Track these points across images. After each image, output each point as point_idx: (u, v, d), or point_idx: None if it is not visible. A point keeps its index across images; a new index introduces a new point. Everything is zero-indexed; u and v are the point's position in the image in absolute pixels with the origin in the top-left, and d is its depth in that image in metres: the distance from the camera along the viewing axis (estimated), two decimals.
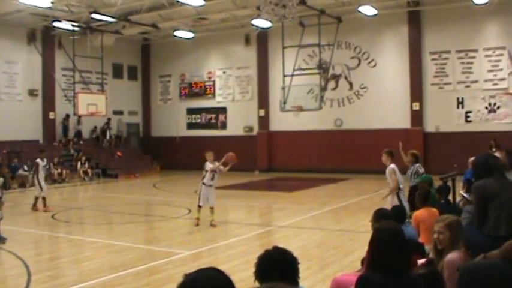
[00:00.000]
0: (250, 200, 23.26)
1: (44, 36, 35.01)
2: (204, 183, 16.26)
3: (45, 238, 15.93)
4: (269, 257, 3.92)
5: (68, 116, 35.46)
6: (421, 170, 14.11)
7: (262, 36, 35.92)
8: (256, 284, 3.81)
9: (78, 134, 36.65)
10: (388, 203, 12.21)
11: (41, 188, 19.99)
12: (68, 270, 11.52)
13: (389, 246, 4.23)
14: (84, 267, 11.91)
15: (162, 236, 15.05)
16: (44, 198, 19.90)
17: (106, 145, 37.09)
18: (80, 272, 11.22)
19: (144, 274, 10.94)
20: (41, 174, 20.40)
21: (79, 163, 32.65)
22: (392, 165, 12.82)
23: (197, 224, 15.61)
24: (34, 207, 20.09)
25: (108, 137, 37.90)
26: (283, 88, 31.29)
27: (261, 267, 3.86)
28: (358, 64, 33.55)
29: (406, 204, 12.26)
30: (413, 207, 14.38)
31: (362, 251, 10.77)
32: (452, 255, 5.11)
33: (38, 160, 20.70)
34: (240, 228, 16.05)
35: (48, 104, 35.16)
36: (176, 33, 35.66)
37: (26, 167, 29.72)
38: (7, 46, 33.33)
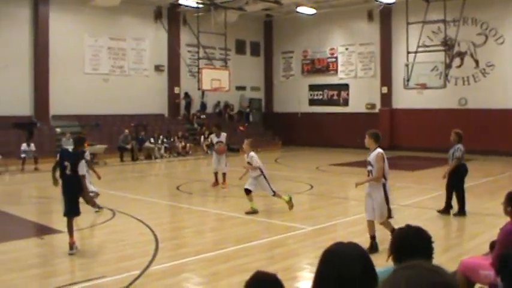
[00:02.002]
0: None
1: (169, 13, 35.94)
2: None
3: (171, 208, 16.43)
4: (405, 235, 3.77)
5: (186, 94, 36.41)
6: (458, 153, 13.73)
7: (386, 12, 35.07)
8: (390, 262, 3.70)
9: (203, 107, 37.50)
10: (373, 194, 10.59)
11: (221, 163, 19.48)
12: (192, 240, 11.81)
13: None
14: (208, 237, 12.19)
15: (284, 211, 15.10)
16: (224, 174, 19.45)
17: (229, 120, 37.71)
18: (204, 243, 11.47)
19: (266, 247, 11.05)
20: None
21: (202, 137, 33.38)
22: (380, 150, 10.46)
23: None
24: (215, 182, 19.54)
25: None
26: (407, 65, 30.51)
27: (397, 245, 3.72)
28: (485, 41, 31.98)
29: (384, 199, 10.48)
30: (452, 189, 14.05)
31: (488, 234, 10.39)
32: None
33: (212, 136, 20.46)
34: (361, 206, 15.80)
35: (174, 79, 36.21)
36: (299, 9, 35.48)
37: (152, 140, 30.79)
38: (135, 24, 34.55)
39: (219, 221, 14.06)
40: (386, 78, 35.74)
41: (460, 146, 13.82)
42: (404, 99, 34.49)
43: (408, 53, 30.40)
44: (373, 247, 10.22)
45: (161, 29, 35.38)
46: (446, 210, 13.96)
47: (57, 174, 10.60)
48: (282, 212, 14.80)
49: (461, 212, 13.79)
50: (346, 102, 38.01)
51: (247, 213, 14.08)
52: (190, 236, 12.30)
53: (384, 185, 10.46)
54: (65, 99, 30.64)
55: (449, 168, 13.94)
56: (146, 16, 34.87)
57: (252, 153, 14.82)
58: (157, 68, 35.57)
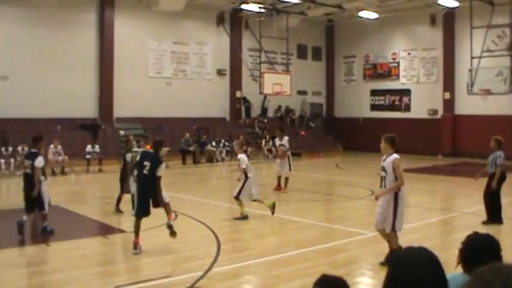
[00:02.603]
0: (433, 184, 22.58)
1: (232, 18, 36.23)
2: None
3: (232, 211, 16.50)
4: (475, 242, 3.70)
5: (244, 98, 36.62)
6: (500, 160, 13.40)
7: (449, 16, 34.48)
8: (459, 269, 3.65)
9: (264, 111, 37.65)
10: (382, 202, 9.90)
11: (289, 167, 19.42)
12: (253, 243, 11.87)
13: None
14: (268, 241, 12.23)
15: (345, 216, 15.06)
16: (286, 178, 19.46)
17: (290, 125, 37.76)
18: (265, 246, 11.52)
19: (327, 252, 11.01)
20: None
21: (263, 141, 33.48)
22: (397, 156, 9.79)
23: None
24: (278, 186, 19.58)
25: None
26: (471, 70, 29.99)
27: (467, 252, 3.66)
28: None
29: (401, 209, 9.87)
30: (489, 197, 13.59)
31: None
32: None
33: (276, 139, 20.36)
34: (423, 213, 15.64)
35: (235, 83, 36.47)
36: (360, 13, 35.24)
37: (214, 143, 31.06)
38: (198, 28, 34.97)
39: (279, 225, 14.08)
40: (449, 83, 35.14)
41: (500, 152, 13.57)
42: (468, 105, 33.81)
43: (472, 58, 29.89)
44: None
45: (223, 33, 35.70)
46: (491, 219, 13.53)
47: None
48: (343, 217, 14.75)
49: (495, 219, 13.44)
50: (407, 108, 37.57)
51: (236, 218, 13.81)
52: (251, 239, 12.37)
53: (397, 194, 9.78)
54: (128, 102, 31.24)
55: (496, 177, 13.49)
56: (209, 21, 35.23)
57: (240, 155, 14.45)
58: (220, 72, 35.88)
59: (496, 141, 13.74)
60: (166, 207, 11.02)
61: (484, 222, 13.46)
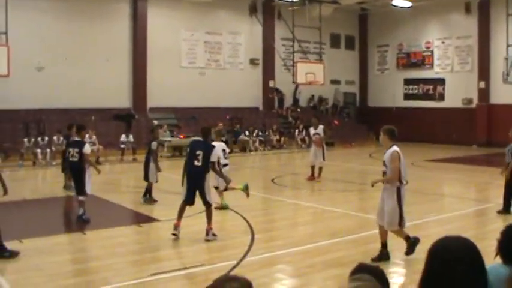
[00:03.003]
0: (468, 175, 22.32)
1: (264, 7, 36.16)
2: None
3: (266, 200, 16.54)
4: None
5: (277, 89, 36.61)
6: None
7: (484, 4, 33.95)
8: (498, 259, 3.59)
9: (296, 101, 37.61)
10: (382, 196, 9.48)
11: (323, 157, 19.30)
12: (287, 233, 11.87)
13: None
14: (302, 230, 12.23)
15: None
16: (320, 168, 19.31)
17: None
18: (299, 235, 11.52)
19: (360, 242, 10.96)
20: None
21: (297, 131, 33.44)
22: (396, 148, 9.18)
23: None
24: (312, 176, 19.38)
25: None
26: (507, 59, 29.48)
27: (507, 242, 3.59)
28: None
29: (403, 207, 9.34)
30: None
31: None
32: None
33: (311, 129, 20.21)
34: (458, 203, 15.49)
35: (268, 72, 36.44)
36: (394, 2, 34.92)
37: (247, 133, 31.11)
38: (231, 18, 35.00)
39: (313, 215, 14.08)
40: (484, 72, 34.63)
41: None
42: (503, 94, 33.23)
43: (508, 46, 29.40)
44: (383, 256, 9.35)
45: (256, 23, 35.65)
46: (506, 209, 13.39)
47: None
48: (375, 207, 14.67)
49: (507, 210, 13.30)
50: (442, 97, 37.14)
51: (216, 208, 13.08)
52: (284, 229, 12.37)
53: (399, 189, 9.20)
54: (162, 92, 31.41)
55: (510, 167, 13.27)
56: (241, 10, 35.20)
57: (215, 143, 13.55)
58: (253, 62, 35.89)
59: None
60: (208, 210, 10.80)
61: (499, 212, 13.40)
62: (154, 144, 14.79)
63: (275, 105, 36.83)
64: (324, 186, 18.26)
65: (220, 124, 29.88)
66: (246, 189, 13.59)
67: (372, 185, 9.97)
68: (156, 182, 14.73)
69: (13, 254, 9.32)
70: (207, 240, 10.50)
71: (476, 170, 24.13)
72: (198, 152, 10.65)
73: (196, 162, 10.61)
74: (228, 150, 14.57)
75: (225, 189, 13.76)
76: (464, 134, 34.38)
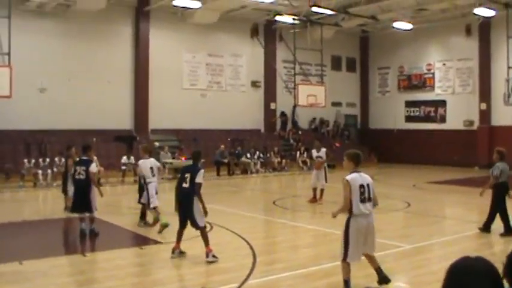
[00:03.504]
0: (469, 197, 22.17)
1: (266, 30, 36.35)
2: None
3: (267, 223, 16.49)
4: None
5: (283, 113, 36.69)
6: (496, 171, 13.45)
7: (485, 26, 34.09)
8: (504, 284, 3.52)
9: (294, 123, 37.62)
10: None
11: (325, 179, 19.27)
12: (289, 255, 11.77)
13: None
14: (304, 253, 12.13)
15: (381, 228, 14.75)
16: (322, 190, 19.20)
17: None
18: (301, 258, 11.42)
19: (364, 265, 10.82)
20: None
21: (298, 153, 33.40)
22: (349, 177, 8.54)
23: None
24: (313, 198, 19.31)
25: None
26: (508, 80, 29.57)
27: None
28: None
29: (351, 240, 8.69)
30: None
31: None
32: None
33: (313, 151, 20.25)
34: (460, 225, 15.40)
35: (270, 94, 36.53)
36: (395, 24, 35.07)
37: (248, 155, 31.07)
38: (232, 40, 35.14)
39: (315, 237, 13.97)
40: (485, 94, 34.71)
41: (499, 164, 13.56)
42: (505, 116, 33.27)
43: (509, 67, 29.48)
44: (381, 280, 9.11)
45: (258, 45, 35.79)
46: (486, 228, 13.70)
47: None
48: (379, 229, 14.58)
49: (508, 231, 13.35)
50: (443, 119, 37.18)
51: (159, 232, 13.14)
52: (286, 251, 12.28)
53: (348, 220, 8.62)
54: (163, 114, 31.46)
55: (487, 186, 13.80)
56: (243, 33, 35.37)
57: (141, 161, 14.08)
58: (254, 84, 35.98)
59: (497, 153, 13.87)
60: (202, 233, 10.72)
61: (501, 234, 13.43)
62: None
63: (277, 127, 36.84)
64: (326, 208, 18.13)
65: (222, 146, 29.98)
66: (164, 226, 13.26)
67: (333, 217, 9.11)
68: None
69: None
70: (208, 262, 10.41)
71: (478, 192, 23.95)
72: (186, 175, 10.71)
73: (184, 184, 10.66)
74: (157, 167, 14.23)
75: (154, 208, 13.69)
76: (465, 156, 34.32)
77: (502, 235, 13.35)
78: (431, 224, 15.73)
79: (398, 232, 14.35)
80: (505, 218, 13.54)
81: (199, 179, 10.61)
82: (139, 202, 14.54)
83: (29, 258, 10.69)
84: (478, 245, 13.22)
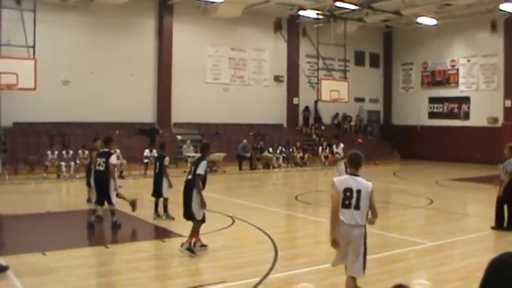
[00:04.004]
0: (492, 194, 21.95)
1: (289, 24, 36.26)
2: None
3: (289, 218, 16.47)
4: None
5: (307, 107, 36.59)
6: (510, 167, 13.44)
7: (510, 22, 33.70)
8: None
9: (318, 118, 37.53)
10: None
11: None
12: (310, 250, 11.74)
13: None
14: (325, 249, 11.99)
15: (403, 225, 14.81)
16: None
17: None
18: (322, 253, 11.34)
19: (386, 261, 10.81)
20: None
21: (320, 148, 33.33)
22: (337, 178, 7.84)
23: None
24: None
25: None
26: None
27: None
28: None
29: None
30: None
31: None
32: None
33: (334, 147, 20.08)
34: (482, 223, 15.23)
35: (293, 89, 36.46)
36: (419, 19, 34.76)
37: (270, 149, 31.07)
38: (256, 35, 35.10)
39: None
40: (510, 91, 34.32)
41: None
42: None
43: None
44: None
45: (281, 40, 35.72)
46: (498, 225, 13.68)
47: None
48: (400, 226, 14.55)
49: (500, 226, 13.58)
50: (466, 116, 36.84)
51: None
52: (308, 246, 12.25)
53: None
54: (186, 108, 31.54)
55: (504, 183, 13.66)
56: (266, 27, 35.32)
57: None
58: (277, 79, 35.93)
59: (509, 149, 13.76)
60: (195, 224, 10.67)
61: (492, 228, 13.68)
62: (167, 160, 14.73)
63: (299, 122, 36.79)
64: None
65: (245, 140, 29.98)
66: (133, 203, 14.20)
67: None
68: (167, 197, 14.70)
69: (2, 269, 9.09)
70: (181, 252, 10.45)
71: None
72: (192, 168, 10.82)
73: (188, 176, 10.76)
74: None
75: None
76: (489, 153, 33.89)
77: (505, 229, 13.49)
78: (454, 221, 15.63)
79: (420, 229, 14.27)
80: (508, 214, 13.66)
81: (199, 170, 10.58)
82: (156, 196, 14.76)
83: (52, 249, 10.78)
84: (505, 242, 13.09)
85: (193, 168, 10.76)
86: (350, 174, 7.62)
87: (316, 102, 36.04)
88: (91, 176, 15.53)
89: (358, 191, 7.39)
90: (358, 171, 7.61)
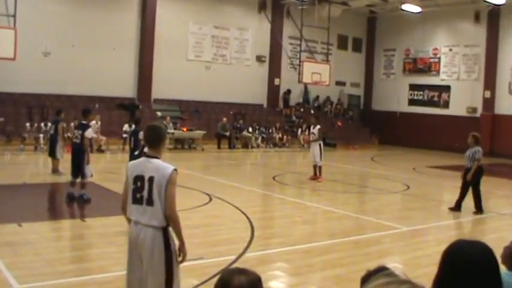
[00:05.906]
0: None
1: (273, 5, 36.12)
2: None
3: (266, 197, 16.53)
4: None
5: (289, 90, 36.61)
6: (478, 155, 14.26)
7: (494, 13, 33.78)
8: (503, 268, 3.53)
9: (306, 101, 37.70)
10: None
11: (320, 157, 19.11)
12: (287, 231, 11.82)
13: None
14: (302, 229, 12.18)
15: (379, 209, 14.94)
16: (319, 167, 19.17)
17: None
18: (298, 234, 11.48)
19: (362, 244, 10.93)
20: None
21: (300, 130, 33.39)
22: (132, 162, 6.00)
23: None
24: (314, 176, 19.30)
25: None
26: None
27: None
28: None
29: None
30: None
31: None
32: None
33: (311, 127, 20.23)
34: (457, 212, 15.43)
35: (274, 70, 36.39)
36: (404, 6, 34.76)
37: (250, 129, 31.09)
38: (240, 14, 34.95)
39: (313, 214, 14.03)
40: (490, 82, 34.51)
41: (479, 148, 14.47)
42: (509, 105, 33.24)
43: None
44: None
45: (265, 20, 35.59)
46: (457, 208, 14.51)
47: None
48: (376, 210, 14.68)
49: (479, 210, 14.42)
50: (446, 105, 37.05)
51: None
52: (284, 227, 12.32)
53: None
54: (167, 84, 31.36)
55: (472, 170, 14.27)
56: (250, 7, 35.17)
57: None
58: (259, 59, 35.84)
59: (473, 137, 14.69)
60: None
61: (451, 208, 14.62)
62: (141, 134, 14.68)
63: (280, 104, 36.80)
64: (325, 186, 18.22)
65: (224, 119, 29.95)
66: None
67: None
68: None
69: None
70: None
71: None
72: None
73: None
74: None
75: None
76: (467, 143, 34.14)
77: (475, 213, 14.35)
78: (430, 207, 15.80)
79: (396, 214, 14.44)
80: (479, 198, 14.48)
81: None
82: None
83: (29, 221, 10.75)
84: (478, 230, 13.28)
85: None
86: (146, 156, 5.56)
87: (305, 87, 36.05)
88: (56, 147, 16.78)
89: (150, 179, 5.30)
90: (160, 150, 5.55)
